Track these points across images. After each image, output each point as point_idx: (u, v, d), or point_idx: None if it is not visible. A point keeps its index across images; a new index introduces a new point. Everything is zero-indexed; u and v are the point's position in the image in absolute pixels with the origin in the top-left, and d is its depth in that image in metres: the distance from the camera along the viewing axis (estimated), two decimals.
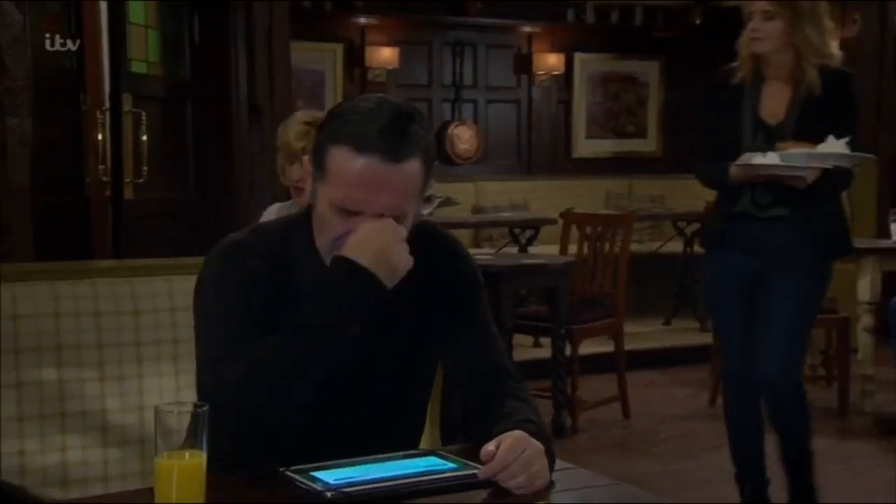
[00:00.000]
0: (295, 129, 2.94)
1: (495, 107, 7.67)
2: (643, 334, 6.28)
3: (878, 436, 4.58)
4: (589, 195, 7.22)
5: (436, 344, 1.59)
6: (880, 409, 4.88)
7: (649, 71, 7.99)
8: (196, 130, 4.67)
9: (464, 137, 7.46)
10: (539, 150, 7.82)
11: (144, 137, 4.12)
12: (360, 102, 1.49)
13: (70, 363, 1.90)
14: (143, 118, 4.11)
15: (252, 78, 4.68)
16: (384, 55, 7.23)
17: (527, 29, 7.61)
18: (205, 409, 1.23)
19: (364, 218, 1.45)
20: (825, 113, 3.00)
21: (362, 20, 7.23)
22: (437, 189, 6.00)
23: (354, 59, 7.26)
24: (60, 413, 1.89)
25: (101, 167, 4.12)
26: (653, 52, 7.91)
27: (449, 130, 7.42)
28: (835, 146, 2.93)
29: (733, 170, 3.02)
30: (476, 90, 7.62)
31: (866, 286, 4.86)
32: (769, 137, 3.02)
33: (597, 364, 5.15)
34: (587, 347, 4.82)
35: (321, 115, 3.01)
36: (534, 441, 1.36)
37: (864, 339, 4.94)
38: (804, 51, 2.99)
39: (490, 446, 1.34)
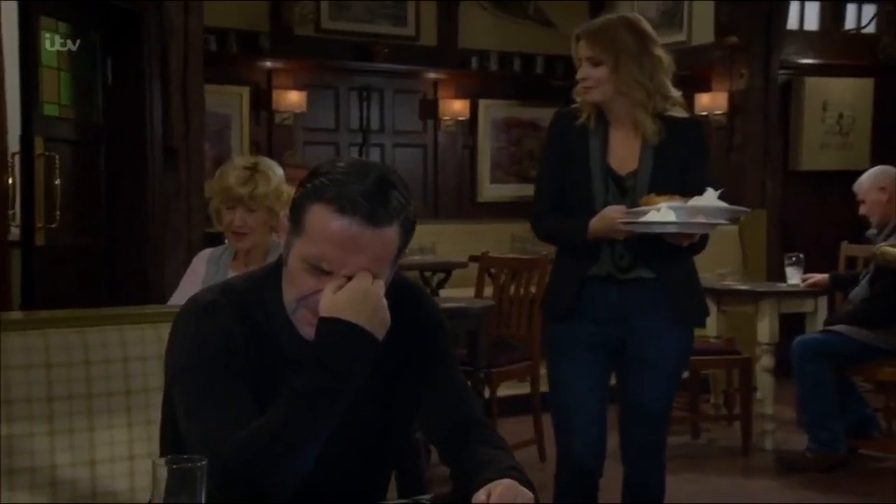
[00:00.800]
0: (236, 174, 2.92)
1: (402, 151, 7.76)
2: None
3: (778, 473, 4.76)
4: (494, 238, 7.34)
5: (408, 393, 1.62)
6: (780, 446, 5.07)
7: (550, 118, 8.19)
8: (109, 174, 4.59)
9: None
10: (445, 194, 7.93)
11: (57, 182, 4.03)
12: (345, 164, 1.51)
13: (19, 417, 1.86)
14: (56, 162, 4.02)
15: (167, 120, 4.63)
16: (291, 99, 7.24)
17: (432, 75, 7.74)
18: (202, 463, 1.23)
19: (333, 278, 1.46)
20: (679, 163, 2.75)
21: (269, 64, 7.23)
22: None
23: (261, 102, 7.25)
24: (9, 470, 1.84)
25: (10, 212, 4.01)
26: (553, 100, 8.10)
27: None
28: (713, 199, 2.68)
29: (601, 224, 2.68)
30: (383, 134, 7.69)
31: (765, 328, 5.07)
32: (622, 189, 2.76)
33: (509, 406, 5.22)
34: (501, 390, 4.89)
35: (260, 159, 3.04)
36: (523, 489, 1.39)
37: (763, 379, 5.15)
38: (633, 95, 2.70)
39: (481, 495, 1.37)
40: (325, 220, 1.45)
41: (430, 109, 7.78)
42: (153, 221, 4.56)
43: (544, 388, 5.10)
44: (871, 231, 4.90)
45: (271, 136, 7.27)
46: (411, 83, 7.74)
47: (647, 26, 2.81)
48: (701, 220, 2.66)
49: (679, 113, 2.78)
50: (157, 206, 4.58)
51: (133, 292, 4.41)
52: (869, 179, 4.87)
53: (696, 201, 2.64)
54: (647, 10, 7.44)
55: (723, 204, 2.68)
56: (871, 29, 8.03)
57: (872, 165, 7.69)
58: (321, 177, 1.49)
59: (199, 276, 3.06)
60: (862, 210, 4.88)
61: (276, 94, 7.23)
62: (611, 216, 2.68)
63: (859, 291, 4.74)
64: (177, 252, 4.60)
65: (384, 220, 1.46)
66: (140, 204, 4.55)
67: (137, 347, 1.95)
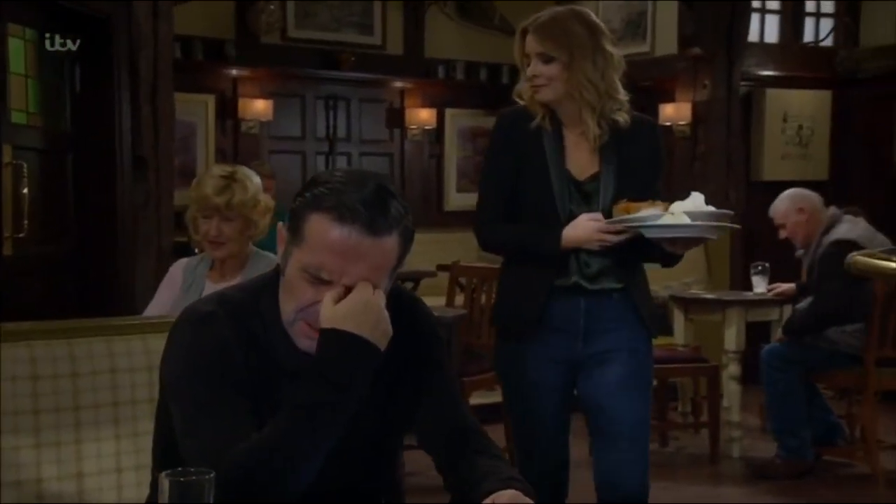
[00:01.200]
0: (213, 183, 2.91)
1: (369, 160, 7.75)
2: None
3: (747, 480, 4.82)
4: (461, 247, 7.34)
5: (406, 402, 1.62)
6: (747, 454, 5.14)
7: None
8: (77, 183, 4.53)
9: None
10: (412, 203, 7.73)
11: (25, 190, 3.98)
12: (342, 173, 1.51)
13: (5, 430, 1.83)
14: (25, 170, 3.96)
15: (136, 129, 4.59)
16: (257, 107, 7.20)
17: (399, 84, 7.75)
18: (210, 476, 1.22)
19: (333, 287, 1.46)
20: (640, 167, 2.59)
21: (234, 72, 7.19)
22: None
23: (227, 110, 7.20)
24: None
25: None
26: None
27: None
28: (701, 204, 2.48)
29: (578, 233, 2.50)
30: (349, 143, 7.68)
31: (732, 336, 5.14)
32: (583, 195, 2.57)
33: (480, 415, 5.20)
34: (471, 399, 4.89)
35: (238, 168, 3.03)
36: (527, 499, 1.40)
37: (730, 387, 5.21)
38: (584, 95, 2.52)
39: None
40: (324, 229, 1.45)
41: (396, 118, 7.78)
42: (122, 230, 4.51)
43: None
44: (800, 251, 5.01)
45: (237, 145, 7.23)
46: (378, 92, 7.74)
47: (597, 19, 2.63)
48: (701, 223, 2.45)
49: (623, 118, 2.58)
50: (127, 214, 4.53)
51: (102, 302, 4.36)
52: (785, 203, 4.97)
53: (682, 206, 2.44)
54: (611, 20, 7.51)
55: (711, 208, 2.50)
56: (828, 42, 8.19)
57: (831, 177, 7.92)
58: (320, 186, 1.49)
59: (176, 284, 3.04)
60: (783, 234, 4.98)
61: (241, 103, 7.19)
62: (589, 224, 2.51)
63: (806, 305, 4.83)
64: (146, 261, 4.56)
65: (384, 229, 1.46)
66: (109, 213, 4.50)
67: (125, 359, 1.93)
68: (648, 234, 2.45)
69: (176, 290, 3.02)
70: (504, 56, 8.01)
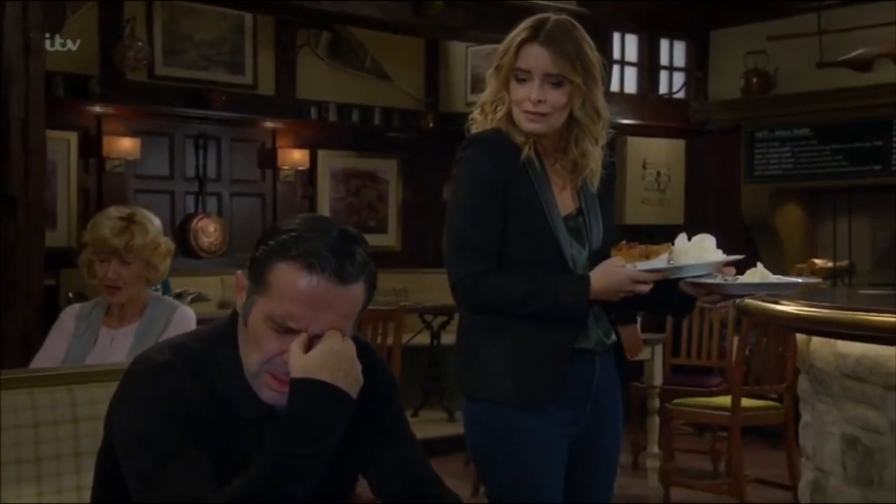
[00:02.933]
0: (111, 225, 2.82)
1: (240, 200, 7.62)
2: None
3: None
4: None
5: (364, 448, 1.60)
6: (623, 490, 5.28)
7: (388, 169, 8.31)
8: None
9: (208, 231, 7.33)
10: None
11: None
12: (302, 220, 1.50)
13: None
14: None
15: (5, 167, 4.37)
16: (123, 145, 6.97)
17: (270, 124, 7.67)
18: None
19: (297, 336, 1.44)
20: (607, 204, 2.29)
21: (98, 109, 6.95)
22: (184, 283, 5.85)
23: (90, 148, 6.95)
24: None
25: None
26: (390, 151, 8.24)
27: (193, 224, 7.26)
28: (712, 248, 2.13)
29: (610, 280, 2.09)
30: (220, 183, 7.53)
31: None
32: (575, 235, 2.20)
33: None
34: None
35: (136, 209, 2.93)
36: None
37: None
38: (590, 126, 2.14)
39: None
40: (292, 278, 1.43)
41: (268, 158, 7.69)
42: None
43: None
44: None
45: (101, 184, 6.98)
46: (249, 132, 7.64)
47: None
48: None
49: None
50: None
51: None
52: None
53: (694, 255, 2.09)
54: (480, 66, 7.68)
55: (721, 255, 2.14)
56: (682, 95, 8.62)
57: (686, 220, 8.30)
58: (283, 234, 1.47)
59: (67, 332, 2.91)
60: None
61: (106, 141, 6.95)
62: (621, 272, 2.09)
63: None
64: (15, 305, 4.33)
65: (352, 277, 1.45)
66: None
67: (49, 411, 1.83)
68: (736, 290, 2.13)
69: (68, 338, 2.89)
70: (375, 99, 8.09)
